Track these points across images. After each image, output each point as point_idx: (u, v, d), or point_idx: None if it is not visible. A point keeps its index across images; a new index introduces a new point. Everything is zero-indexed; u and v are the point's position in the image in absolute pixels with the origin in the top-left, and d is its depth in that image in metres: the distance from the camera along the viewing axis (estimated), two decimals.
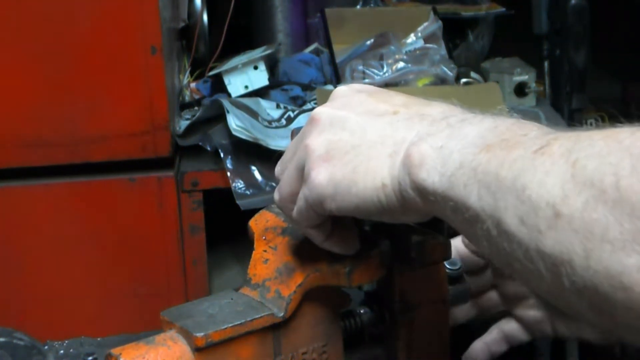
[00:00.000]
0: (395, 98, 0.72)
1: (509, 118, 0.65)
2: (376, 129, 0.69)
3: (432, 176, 0.64)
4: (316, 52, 2.09)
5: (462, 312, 0.96)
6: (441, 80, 1.91)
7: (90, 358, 0.88)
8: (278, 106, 1.88)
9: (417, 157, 0.65)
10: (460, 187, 0.61)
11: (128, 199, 1.71)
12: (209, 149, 1.77)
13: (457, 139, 0.64)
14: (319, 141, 0.70)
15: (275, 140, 1.72)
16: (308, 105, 1.88)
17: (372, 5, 2.16)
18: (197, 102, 1.91)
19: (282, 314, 0.78)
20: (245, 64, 1.90)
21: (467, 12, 2.20)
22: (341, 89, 0.75)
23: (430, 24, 2.03)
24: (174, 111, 1.76)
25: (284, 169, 0.75)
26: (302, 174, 0.71)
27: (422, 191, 0.65)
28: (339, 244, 0.76)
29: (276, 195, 0.75)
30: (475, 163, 0.61)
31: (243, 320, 0.76)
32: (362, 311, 0.85)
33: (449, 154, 0.63)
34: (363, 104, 0.71)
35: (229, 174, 1.72)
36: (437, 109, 0.69)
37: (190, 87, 1.97)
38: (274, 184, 1.66)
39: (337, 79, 1.91)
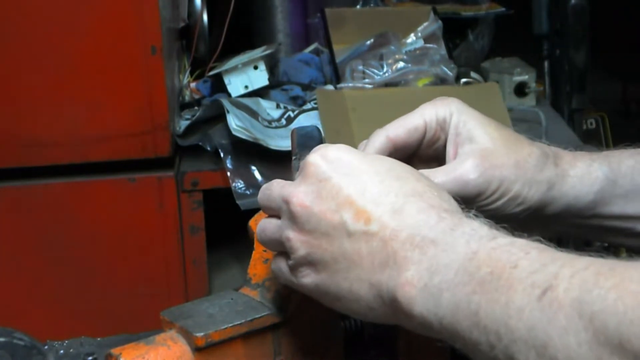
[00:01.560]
0: (365, 195, 0.68)
1: (485, 237, 0.63)
2: (351, 245, 0.68)
3: (428, 318, 0.63)
4: (316, 52, 2.09)
5: None
6: (441, 80, 1.91)
7: (90, 358, 0.88)
8: (278, 106, 1.88)
9: (405, 301, 0.64)
10: (466, 332, 0.60)
11: (128, 199, 1.71)
12: (209, 149, 1.77)
13: (438, 273, 0.63)
14: (300, 239, 0.70)
15: (275, 140, 1.72)
16: (308, 105, 1.88)
17: (372, 5, 2.16)
18: (197, 102, 1.91)
19: (282, 314, 0.78)
20: (245, 64, 1.90)
21: (467, 12, 2.20)
22: (313, 162, 0.71)
23: (430, 24, 2.03)
24: (174, 111, 1.76)
25: (266, 204, 0.74)
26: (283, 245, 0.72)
27: (422, 325, 0.64)
28: None
29: (260, 233, 0.75)
30: (473, 306, 0.60)
31: (243, 320, 0.76)
32: None
33: (438, 293, 0.62)
34: (335, 198, 0.69)
35: (229, 174, 1.72)
36: (406, 221, 0.66)
37: (190, 87, 1.97)
38: None
39: (337, 79, 1.91)
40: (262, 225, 0.75)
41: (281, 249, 0.73)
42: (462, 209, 0.69)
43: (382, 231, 0.67)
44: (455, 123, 0.81)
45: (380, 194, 0.68)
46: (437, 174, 0.79)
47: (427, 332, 0.64)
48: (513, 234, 0.64)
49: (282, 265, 0.73)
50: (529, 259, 0.59)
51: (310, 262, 0.70)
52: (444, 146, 0.83)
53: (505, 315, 0.58)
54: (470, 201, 0.79)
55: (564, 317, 0.54)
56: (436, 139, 0.83)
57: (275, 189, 0.73)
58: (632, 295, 0.52)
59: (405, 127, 0.82)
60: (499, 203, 0.80)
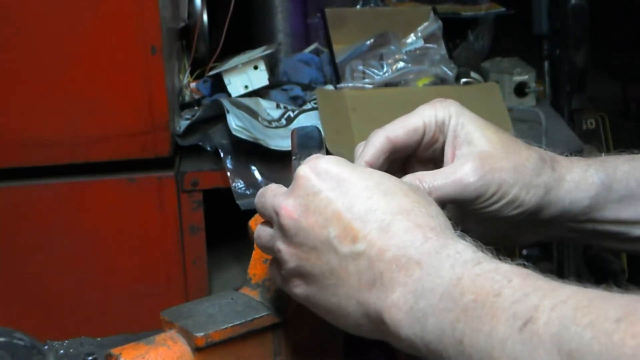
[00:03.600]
0: (352, 212, 0.68)
1: (469, 262, 0.64)
2: (339, 262, 0.68)
3: (415, 342, 0.64)
4: (316, 52, 2.09)
5: None
6: (441, 80, 1.91)
7: (90, 358, 0.88)
8: (278, 106, 1.88)
9: (391, 323, 0.65)
10: (452, 359, 0.61)
11: (128, 199, 1.71)
12: (209, 149, 1.77)
13: (423, 297, 0.63)
14: (290, 252, 0.70)
15: (275, 140, 1.72)
16: (308, 105, 1.88)
17: (372, 5, 2.16)
18: (197, 102, 1.91)
19: (282, 314, 0.78)
20: (245, 64, 1.90)
21: (467, 12, 2.20)
22: (303, 175, 0.71)
23: (430, 24, 2.03)
24: (174, 111, 1.76)
25: (260, 210, 0.75)
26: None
27: (410, 347, 0.65)
28: None
29: (256, 239, 0.76)
30: (458, 334, 0.61)
31: (243, 320, 0.76)
32: None
33: (424, 318, 0.63)
34: (323, 213, 0.69)
35: (229, 174, 1.72)
36: (392, 240, 0.67)
37: (190, 87, 1.97)
38: None
39: (337, 79, 1.91)
40: (257, 231, 0.76)
41: (275, 256, 0.74)
42: (452, 224, 0.70)
43: (369, 250, 0.67)
44: (454, 126, 0.82)
45: (367, 210, 0.68)
46: (437, 177, 0.79)
47: (416, 354, 0.65)
48: (499, 258, 0.65)
49: (275, 273, 0.75)
50: (511, 287, 0.60)
51: (300, 275, 0.71)
52: (442, 148, 0.83)
53: (489, 346, 0.59)
54: (469, 204, 0.80)
55: (544, 351, 0.55)
56: (434, 141, 0.83)
57: (268, 197, 0.73)
58: (607, 335, 0.53)
59: (405, 127, 0.82)
60: (497, 206, 0.80)
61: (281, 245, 0.71)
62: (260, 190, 0.75)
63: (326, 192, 0.70)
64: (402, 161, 0.85)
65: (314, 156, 0.73)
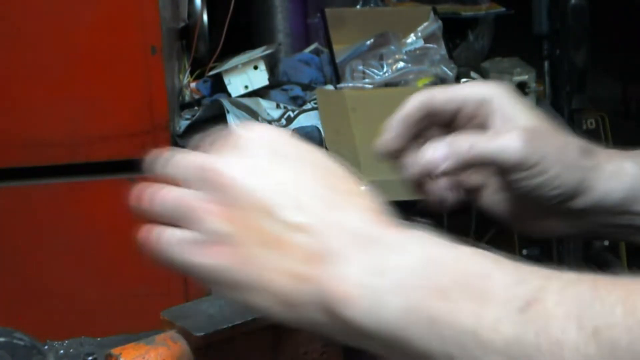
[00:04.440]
0: (296, 182, 0.61)
1: (440, 244, 0.57)
2: (284, 231, 0.59)
3: (363, 323, 0.55)
4: (316, 52, 2.09)
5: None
6: (441, 80, 1.91)
7: (90, 358, 0.88)
8: (278, 106, 1.88)
9: (338, 302, 0.56)
10: (416, 339, 0.54)
11: (128, 199, 1.71)
12: None
13: (383, 275, 0.55)
14: (224, 215, 0.60)
15: None
16: (308, 105, 1.88)
17: (372, 5, 2.16)
18: (197, 102, 1.91)
19: None
20: (245, 64, 1.90)
21: (467, 12, 2.20)
22: (247, 136, 0.63)
23: (430, 24, 2.03)
24: (174, 111, 1.77)
25: (175, 171, 0.66)
26: None
27: (355, 331, 0.56)
28: None
29: (155, 201, 0.69)
30: (432, 312, 0.53)
31: (243, 320, 0.76)
32: None
33: (383, 296, 0.55)
34: (272, 178, 0.61)
35: None
36: (345, 217, 0.59)
37: (190, 87, 1.97)
38: None
39: (337, 79, 1.91)
40: (161, 193, 0.67)
41: (183, 223, 0.63)
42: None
43: (318, 224, 0.59)
44: (498, 104, 0.80)
45: (316, 186, 0.61)
46: (480, 138, 0.76)
47: (358, 340, 0.57)
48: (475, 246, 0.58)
49: (173, 239, 0.63)
50: (503, 270, 0.54)
51: (229, 242, 0.60)
52: (482, 125, 0.82)
53: (477, 326, 0.52)
54: (508, 171, 0.77)
55: (559, 328, 0.49)
56: (473, 116, 0.81)
57: (193, 157, 0.65)
58: None
59: (445, 93, 0.81)
60: (537, 180, 0.78)
61: (214, 207, 0.61)
62: (168, 154, 0.67)
63: (272, 159, 0.62)
64: (439, 133, 0.82)
65: (249, 122, 0.68)
